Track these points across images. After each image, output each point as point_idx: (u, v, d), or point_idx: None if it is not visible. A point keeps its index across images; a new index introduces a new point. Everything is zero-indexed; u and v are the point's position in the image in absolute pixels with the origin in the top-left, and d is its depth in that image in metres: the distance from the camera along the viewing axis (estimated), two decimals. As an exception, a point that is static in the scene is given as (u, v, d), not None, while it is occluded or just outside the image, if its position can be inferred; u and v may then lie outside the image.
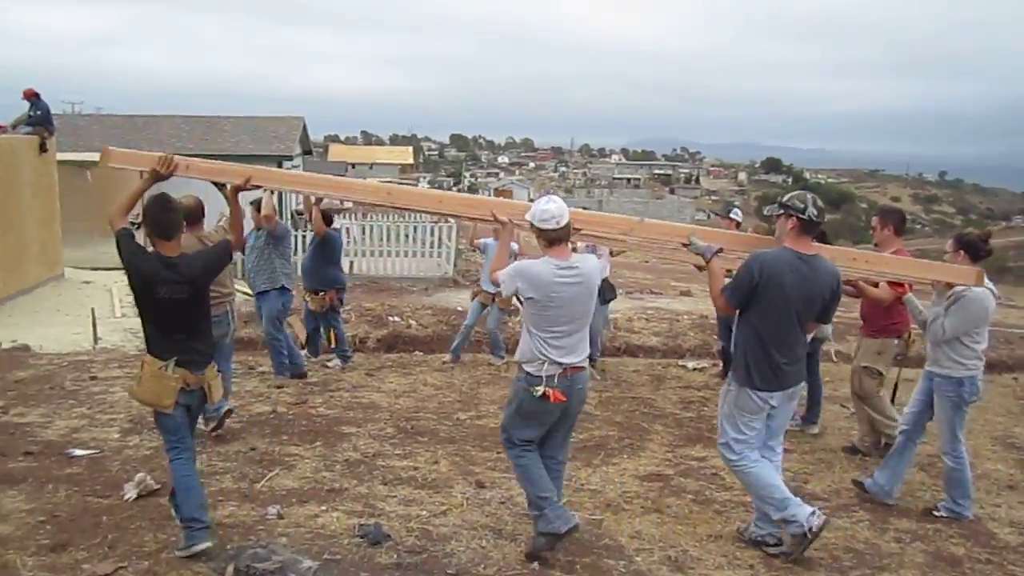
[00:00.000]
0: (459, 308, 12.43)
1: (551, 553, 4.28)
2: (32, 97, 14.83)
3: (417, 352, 10.24)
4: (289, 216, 23.82)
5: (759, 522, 4.55)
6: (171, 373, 4.10)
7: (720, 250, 4.53)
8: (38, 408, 6.92)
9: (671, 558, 4.43)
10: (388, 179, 34.98)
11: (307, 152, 30.63)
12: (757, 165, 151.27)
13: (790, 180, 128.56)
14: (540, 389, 4.07)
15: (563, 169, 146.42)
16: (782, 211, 4.30)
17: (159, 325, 4.16)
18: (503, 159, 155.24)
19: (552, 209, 4.09)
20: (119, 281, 13.82)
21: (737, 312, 4.42)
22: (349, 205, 22.19)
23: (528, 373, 4.15)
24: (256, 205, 7.65)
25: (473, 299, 9.63)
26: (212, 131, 24.89)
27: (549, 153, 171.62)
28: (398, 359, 9.57)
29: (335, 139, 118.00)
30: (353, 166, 58.98)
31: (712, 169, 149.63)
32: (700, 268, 6.04)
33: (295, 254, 18.56)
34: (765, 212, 4.62)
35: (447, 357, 9.36)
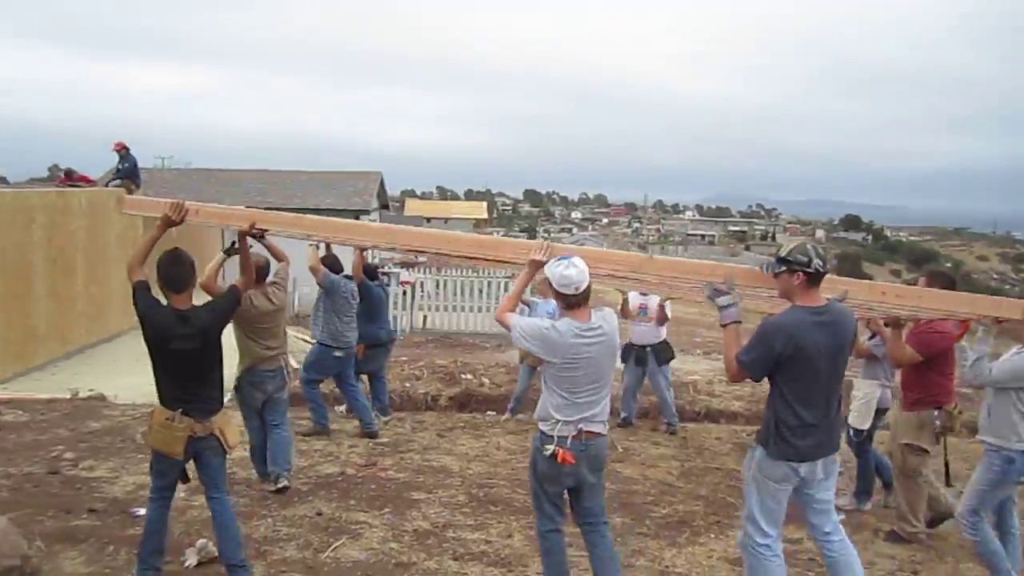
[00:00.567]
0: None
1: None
2: (121, 150, 15.31)
3: (490, 412, 9.92)
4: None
5: None
6: (177, 423, 4.21)
7: (738, 322, 4.04)
8: (107, 462, 6.83)
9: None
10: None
11: (384, 207, 31.03)
12: (836, 222, 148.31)
13: (870, 238, 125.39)
14: (550, 448, 3.98)
15: (637, 225, 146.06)
16: (784, 267, 3.90)
17: (171, 375, 4.26)
18: (576, 215, 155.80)
19: (572, 275, 3.95)
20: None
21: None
22: (424, 259, 22.36)
23: (542, 432, 4.06)
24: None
25: (522, 362, 9.29)
26: (292, 185, 25.38)
27: (623, 209, 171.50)
28: (470, 419, 9.26)
29: (411, 194, 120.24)
30: (428, 220, 59.78)
31: (789, 226, 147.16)
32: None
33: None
34: (764, 271, 4.15)
35: (504, 416, 9.20)
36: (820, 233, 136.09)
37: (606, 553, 4.26)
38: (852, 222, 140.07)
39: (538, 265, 4.21)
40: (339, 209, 22.11)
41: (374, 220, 25.15)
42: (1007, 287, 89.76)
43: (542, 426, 4.07)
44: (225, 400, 4.59)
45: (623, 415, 9.03)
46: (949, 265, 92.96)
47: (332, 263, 7.76)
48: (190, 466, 4.48)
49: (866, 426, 6.19)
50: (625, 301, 8.80)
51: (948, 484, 5.80)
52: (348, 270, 7.97)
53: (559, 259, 4.04)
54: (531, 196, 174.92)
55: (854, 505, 6.42)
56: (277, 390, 6.14)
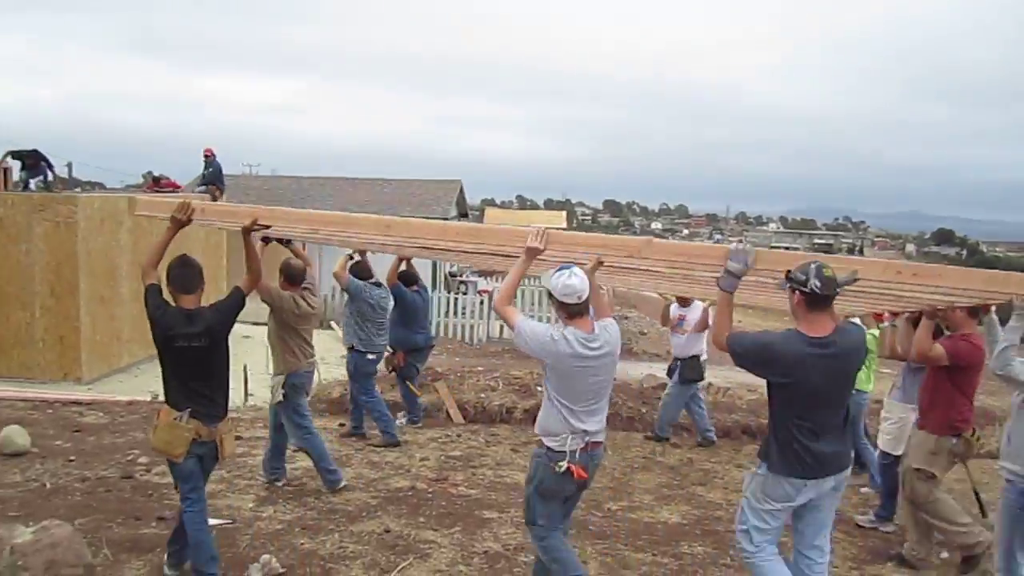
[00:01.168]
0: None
1: None
2: (208, 156, 15.58)
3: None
4: (444, 277, 24.06)
5: None
6: (184, 424, 4.26)
7: (731, 294, 3.83)
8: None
9: None
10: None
11: (463, 215, 31.07)
12: (927, 236, 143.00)
13: (964, 253, 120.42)
14: (563, 465, 3.95)
15: (718, 237, 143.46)
16: (787, 284, 3.71)
17: (178, 375, 4.31)
18: (656, 225, 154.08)
19: (575, 284, 3.91)
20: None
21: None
22: (501, 269, 22.23)
23: (549, 448, 4.01)
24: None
25: None
26: (374, 192, 25.60)
27: (704, 220, 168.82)
28: None
29: (491, 203, 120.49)
30: (507, 229, 59.77)
31: (877, 240, 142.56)
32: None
33: (441, 316, 18.80)
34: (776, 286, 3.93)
35: None
36: (911, 247, 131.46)
37: None
38: (944, 236, 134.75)
39: (534, 252, 4.09)
40: (419, 216, 22.15)
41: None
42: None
43: (549, 442, 4.02)
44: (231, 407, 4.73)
45: (658, 431, 8.71)
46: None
47: (360, 270, 7.82)
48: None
49: (899, 451, 5.83)
50: (667, 307, 8.60)
51: (984, 515, 5.52)
52: (381, 277, 8.04)
53: (559, 268, 3.99)
54: (611, 206, 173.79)
55: (875, 524, 6.19)
56: (310, 391, 6.37)
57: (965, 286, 3.92)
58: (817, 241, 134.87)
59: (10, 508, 5.69)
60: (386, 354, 8.27)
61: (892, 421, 6.01)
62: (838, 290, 3.64)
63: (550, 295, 4.01)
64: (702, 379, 8.74)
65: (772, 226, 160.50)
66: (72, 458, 6.94)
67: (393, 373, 8.67)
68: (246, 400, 10.21)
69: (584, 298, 3.95)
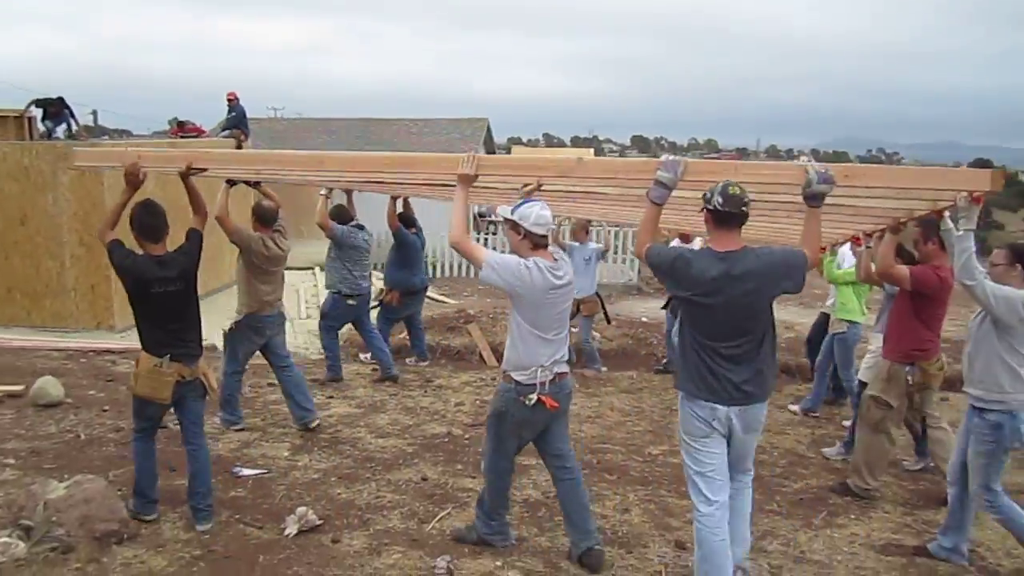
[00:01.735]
0: (644, 319, 11.60)
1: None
2: (231, 101, 15.36)
3: (604, 367, 9.46)
4: (472, 218, 23.80)
5: None
6: (166, 369, 4.36)
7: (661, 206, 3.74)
8: (213, 417, 6.73)
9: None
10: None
11: (491, 153, 30.67)
12: (963, 167, 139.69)
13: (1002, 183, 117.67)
14: (533, 397, 3.98)
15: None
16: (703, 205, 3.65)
17: (157, 321, 4.39)
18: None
19: (548, 215, 4.00)
20: (307, 281, 13.98)
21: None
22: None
23: (518, 382, 4.01)
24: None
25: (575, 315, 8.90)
26: (399, 133, 25.24)
27: (734, 154, 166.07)
28: (580, 376, 8.83)
29: (518, 141, 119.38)
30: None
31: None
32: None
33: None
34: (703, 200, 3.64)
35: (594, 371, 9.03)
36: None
37: (583, 498, 4.34)
38: (980, 165, 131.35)
39: (468, 179, 4.08)
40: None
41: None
42: None
43: (519, 376, 4.01)
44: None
45: (664, 361, 9.13)
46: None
47: (339, 213, 7.83)
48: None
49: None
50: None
51: (919, 452, 5.81)
52: (359, 219, 8.09)
53: (527, 201, 4.03)
54: (639, 142, 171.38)
55: (842, 455, 6.18)
56: (276, 334, 6.33)
57: (898, 184, 3.67)
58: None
59: (45, 460, 5.65)
60: (384, 293, 8.58)
61: (871, 351, 5.99)
62: (744, 207, 3.54)
63: (514, 226, 3.99)
64: None
65: (803, 158, 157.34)
66: (106, 408, 6.89)
67: (378, 308, 8.69)
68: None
69: (551, 229, 4.05)
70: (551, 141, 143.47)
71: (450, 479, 5.45)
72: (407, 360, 9.05)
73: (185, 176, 4.82)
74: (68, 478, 4.75)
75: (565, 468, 4.32)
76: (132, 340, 10.47)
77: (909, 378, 5.17)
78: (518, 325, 4.01)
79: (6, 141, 12.74)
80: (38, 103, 13.50)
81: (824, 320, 7.59)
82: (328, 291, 8.02)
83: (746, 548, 4.07)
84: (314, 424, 6.37)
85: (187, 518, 4.65)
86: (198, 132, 15.32)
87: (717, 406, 3.66)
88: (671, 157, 3.68)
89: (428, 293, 10.13)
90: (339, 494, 5.13)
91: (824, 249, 6.63)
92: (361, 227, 7.95)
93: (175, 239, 4.59)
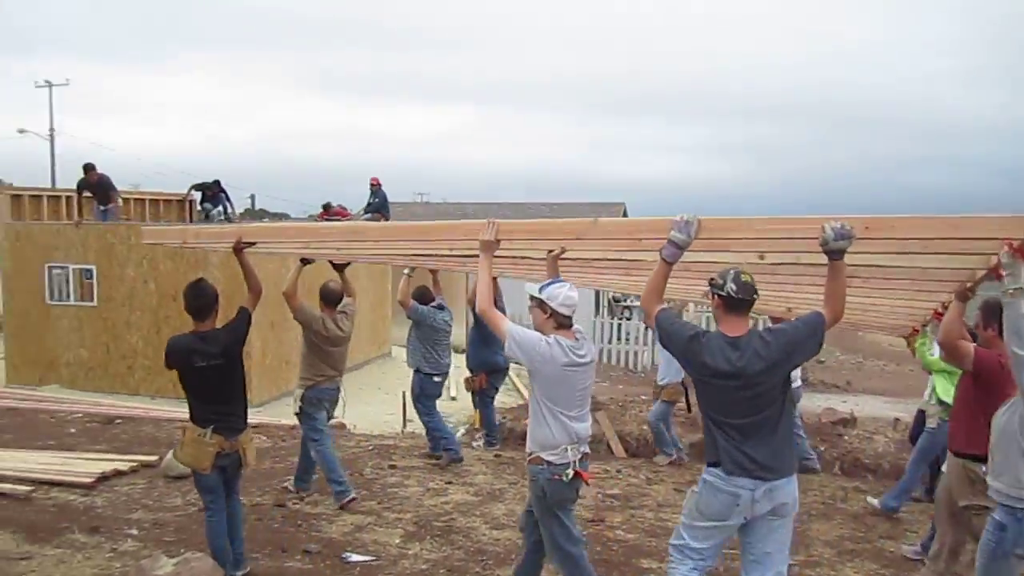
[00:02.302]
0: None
1: None
2: (374, 186, 15.95)
3: (683, 453, 8.87)
4: (608, 303, 23.59)
5: None
6: (208, 440, 4.60)
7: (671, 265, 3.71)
8: (331, 497, 6.70)
9: None
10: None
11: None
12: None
13: None
14: (570, 472, 4.03)
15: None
16: (710, 290, 3.72)
17: (199, 394, 4.67)
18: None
19: (575, 296, 4.12)
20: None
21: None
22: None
23: (550, 463, 4.05)
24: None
25: (656, 400, 8.59)
26: (537, 216, 25.55)
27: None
28: (649, 465, 8.33)
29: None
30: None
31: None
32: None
33: (604, 342, 18.34)
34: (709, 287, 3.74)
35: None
36: None
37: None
38: None
39: (490, 245, 4.18)
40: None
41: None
42: None
43: (548, 456, 4.05)
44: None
45: (804, 460, 8.12)
46: None
47: (422, 294, 7.99)
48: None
49: None
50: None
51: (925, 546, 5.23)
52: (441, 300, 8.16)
53: (555, 281, 4.19)
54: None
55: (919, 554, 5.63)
56: (333, 407, 6.65)
57: (923, 234, 3.36)
58: None
59: (167, 533, 5.73)
60: (470, 377, 8.54)
61: None
62: (755, 295, 3.62)
63: (540, 304, 4.09)
64: (793, 405, 8.14)
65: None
66: (231, 483, 6.98)
67: (473, 395, 8.70)
68: (404, 427, 10.15)
69: (575, 311, 4.14)
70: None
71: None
72: (475, 441, 9.09)
73: (237, 252, 5.18)
74: (184, 552, 4.76)
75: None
76: (270, 414, 10.79)
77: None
78: (540, 403, 4.08)
79: (168, 222, 13.60)
80: (196, 187, 14.39)
81: (922, 417, 6.91)
82: (415, 372, 8.05)
83: None
84: (302, 495, 6.68)
85: (291, 604, 4.54)
86: (342, 215, 15.95)
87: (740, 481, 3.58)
88: (685, 217, 3.63)
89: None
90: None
91: (916, 331, 6.10)
92: (442, 307, 8.02)
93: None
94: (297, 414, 6.51)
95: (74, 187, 14.06)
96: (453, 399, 12.20)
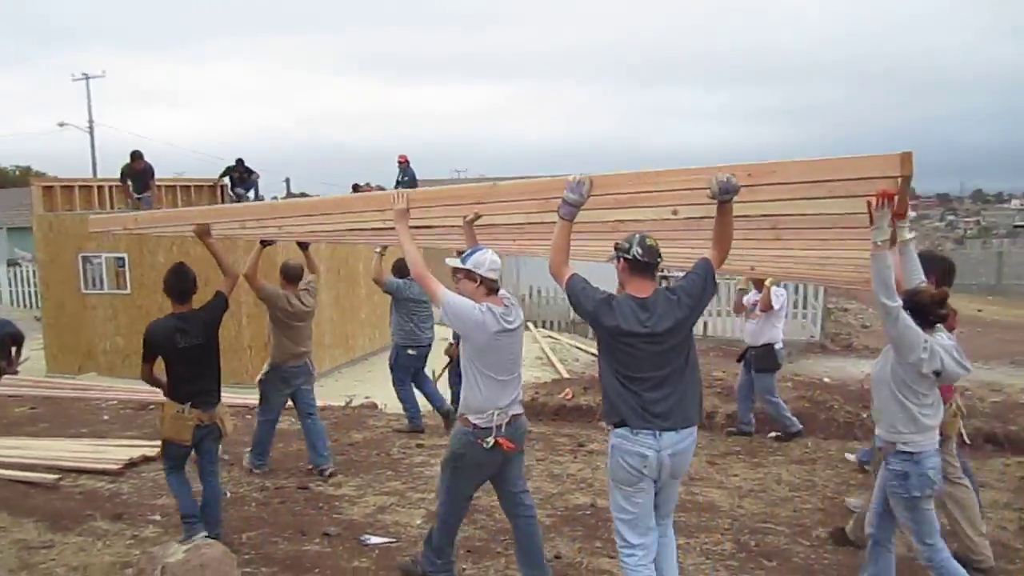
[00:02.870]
0: (826, 379, 10.64)
1: None
2: (402, 163, 15.83)
3: (771, 432, 8.65)
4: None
5: None
6: (187, 415, 4.88)
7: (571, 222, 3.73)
8: (356, 478, 6.66)
9: None
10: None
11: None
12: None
13: None
14: (491, 440, 4.10)
15: (951, 218, 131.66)
16: (616, 254, 3.83)
17: (182, 372, 4.90)
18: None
19: (499, 261, 4.21)
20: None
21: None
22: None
23: (475, 425, 4.15)
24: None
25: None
26: (570, 190, 25.33)
27: (934, 201, 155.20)
28: (747, 443, 8.09)
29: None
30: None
31: None
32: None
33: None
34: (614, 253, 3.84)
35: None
36: None
37: (538, 537, 4.46)
38: None
39: (403, 214, 4.24)
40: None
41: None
42: None
43: (476, 419, 4.14)
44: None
45: (740, 423, 8.41)
46: None
47: (401, 267, 8.00)
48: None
49: None
50: (741, 292, 8.27)
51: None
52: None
53: (478, 248, 4.26)
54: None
55: None
56: (304, 383, 6.77)
57: (800, 178, 3.26)
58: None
59: (188, 519, 5.69)
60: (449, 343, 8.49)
61: None
62: (659, 258, 3.77)
63: (468, 274, 4.16)
64: (778, 368, 8.29)
65: (1015, 203, 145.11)
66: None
67: (450, 364, 8.64)
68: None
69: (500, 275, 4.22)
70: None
71: (586, 558, 4.99)
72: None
73: (202, 237, 5.40)
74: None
75: (522, 506, 4.41)
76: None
77: None
78: (473, 368, 4.16)
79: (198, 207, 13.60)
80: (226, 171, 14.41)
81: None
82: (393, 344, 8.32)
83: None
84: (328, 472, 6.66)
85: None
86: (371, 194, 15.89)
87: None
88: (577, 178, 3.68)
89: (575, 343, 9.79)
90: (464, 570, 4.80)
91: None
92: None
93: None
94: (260, 381, 6.74)
95: (112, 177, 14.18)
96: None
